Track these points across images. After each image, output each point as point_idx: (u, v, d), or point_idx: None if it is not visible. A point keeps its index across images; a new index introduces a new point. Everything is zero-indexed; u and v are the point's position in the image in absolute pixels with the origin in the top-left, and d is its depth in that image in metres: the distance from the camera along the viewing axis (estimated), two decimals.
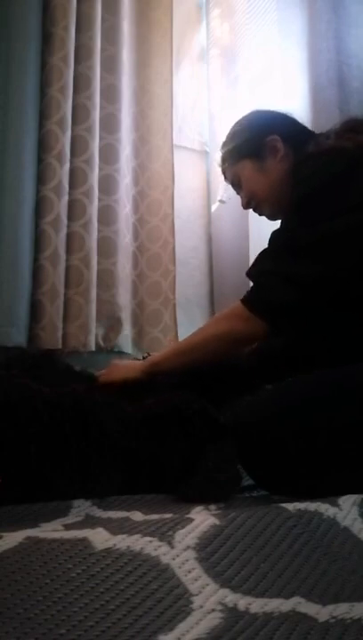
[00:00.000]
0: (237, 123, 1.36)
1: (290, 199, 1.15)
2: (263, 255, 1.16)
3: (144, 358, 1.34)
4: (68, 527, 0.73)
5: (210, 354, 1.18)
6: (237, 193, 1.37)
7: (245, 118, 1.36)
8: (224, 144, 1.36)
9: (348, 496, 0.80)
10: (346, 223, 1.05)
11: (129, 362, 1.25)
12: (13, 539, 0.59)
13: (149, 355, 1.37)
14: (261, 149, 1.27)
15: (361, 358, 1.03)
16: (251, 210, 1.38)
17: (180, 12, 2.17)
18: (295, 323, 1.13)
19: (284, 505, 0.74)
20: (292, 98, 1.95)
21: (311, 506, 0.75)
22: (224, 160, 1.36)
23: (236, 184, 1.34)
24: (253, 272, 1.16)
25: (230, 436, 1.00)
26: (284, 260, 1.10)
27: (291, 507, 0.74)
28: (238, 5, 2.16)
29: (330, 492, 0.81)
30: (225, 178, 1.38)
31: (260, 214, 1.35)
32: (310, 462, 0.97)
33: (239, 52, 2.14)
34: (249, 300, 1.13)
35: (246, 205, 1.34)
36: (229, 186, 1.40)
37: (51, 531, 0.67)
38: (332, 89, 1.83)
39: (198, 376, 1.19)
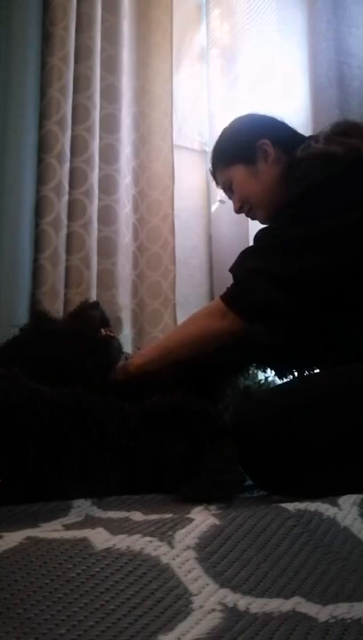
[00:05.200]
0: (226, 128, 1.36)
1: (283, 201, 1.15)
2: (247, 253, 1.16)
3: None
4: (68, 527, 0.73)
5: (191, 352, 1.19)
6: (229, 197, 1.36)
7: (234, 123, 1.36)
8: (214, 149, 1.36)
9: (348, 496, 0.80)
10: (343, 222, 1.05)
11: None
12: (13, 539, 0.59)
13: (139, 349, 1.37)
14: (251, 154, 1.26)
15: (361, 358, 1.03)
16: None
17: (180, 12, 2.17)
18: (281, 320, 1.14)
19: (284, 505, 0.74)
20: (292, 98, 1.94)
21: (311, 506, 0.75)
22: (215, 164, 1.36)
23: (227, 188, 1.34)
24: (236, 269, 1.16)
25: (230, 437, 1.00)
26: (270, 259, 1.10)
27: (291, 507, 0.74)
28: (238, 5, 2.16)
29: (330, 492, 0.81)
30: (217, 182, 1.38)
31: (252, 218, 1.35)
32: (310, 462, 0.97)
33: (239, 52, 2.14)
34: (227, 297, 1.13)
35: (238, 210, 1.34)
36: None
37: (51, 531, 0.67)
38: (332, 89, 1.83)
39: (186, 372, 1.19)
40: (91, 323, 1.17)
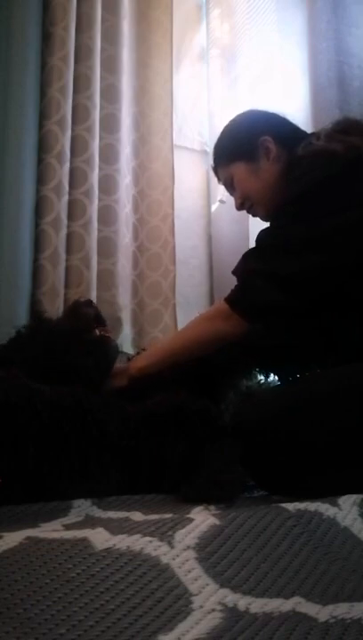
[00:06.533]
0: (228, 124, 1.36)
1: (284, 199, 1.15)
2: (249, 254, 1.16)
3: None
4: (68, 527, 0.73)
5: (194, 355, 1.19)
6: (231, 194, 1.36)
7: (236, 119, 1.35)
8: (216, 145, 1.36)
9: (348, 496, 0.80)
10: (343, 221, 1.05)
11: (115, 370, 1.23)
12: (13, 539, 0.59)
13: (144, 350, 1.36)
14: (253, 151, 1.26)
15: (361, 358, 1.03)
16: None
17: (180, 12, 2.17)
18: (283, 321, 1.14)
19: (284, 505, 0.74)
20: (292, 98, 1.95)
21: (311, 506, 0.75)
22: (216, 161, 1.35)
23: (229, 185, 1.34)
24: (238, 271, 1.16)
25: (230, 437, 1.00)
26: (271, 258, 1.10)
27: (291, 507, 0.74)
28: (238, 5, 2.16)
29: (330, 492, 0.81)
30: (218, 179, 1.38)
31: (254, 215, 1.35)
32: (310, 462, 0.97)
33: (239, 52, 2.14)
34: (231, 299, 1.13)
35: (239, 207, 1.34)
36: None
37: (51, 531, 0.67)
38: (332, 89, 1.83)
39: (188, 372, 1.19)
40: (85, 321, 1.17)
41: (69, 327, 1.15)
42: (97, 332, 1.17)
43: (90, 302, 1.23)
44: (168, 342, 1.30)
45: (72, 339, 1.12)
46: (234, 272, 1.16)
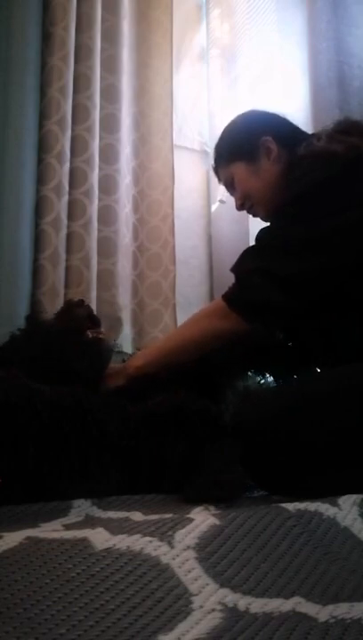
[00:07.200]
0: (229, 124, 1.36)
1: (284, 200, 1.16)
2: (248, 252, 1.16)
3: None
4: (68, 527, 0.73)
5: (192, 353, 1.18)
6: (231, 194, 1.36)
7: (237, 119, 1.36)
8: (217, 145, 1.36)
9: (348, 496, 0.80)
10: (343, 221, 1.05)
11: (111, 370, 1.22)
12: (13, 539, 0.58)
13: (139, 349, 1.36)
14: (254, 151, 1.26)
15: (361, 358, 1.03)
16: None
17: (180, 12, 2.17)
18: (281, 321, 1.14)
19: (284, 505, 0.74)
20: (292, 98, 1.95)
21: (311, 506, 0.75)
22: (217, 161, 1.35)
23: (229, 185, 1.34)
24: (237, 269, 1.16)
25: (230, 437, 1.00)
26: (271, 259, 1.10)
27: (291, 507, 0.74)
28: (238, 5, 2.16)
29: (330, 492, 0.81)
30: (219, 179, 1.38)
31: (254, 216, 1.35)
32: (310, 462, 0.97)
33: (239, 52, 2.14)
34: (229, 297, 1.13)
35: (239, 207, 1.34)
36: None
37: (51, 531, 0.67)
38: (332, 89, 1.83)
39: (187, 372, 1.19)
40: (77, 322, 1.17)
41: (62, 329, 1.15)
42: (89, 333, 1.16)
43: (82, 302, 1.23)
44: (166, 340, 1.30)
45: (64, 340, 1.12)
46: (232, 270, 1.16)
